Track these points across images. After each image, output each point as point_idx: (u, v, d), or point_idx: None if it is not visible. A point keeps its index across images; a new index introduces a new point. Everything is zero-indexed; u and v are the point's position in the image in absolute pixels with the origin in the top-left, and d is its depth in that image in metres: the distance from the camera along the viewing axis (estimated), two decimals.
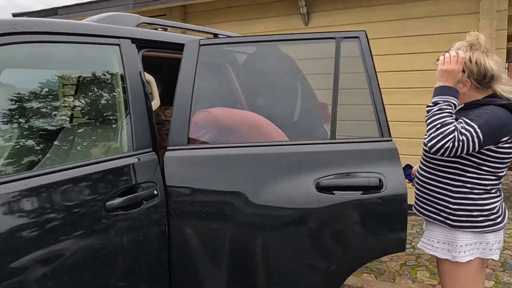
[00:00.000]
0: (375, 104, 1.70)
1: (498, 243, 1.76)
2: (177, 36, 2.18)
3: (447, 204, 1.76)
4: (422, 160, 1.91)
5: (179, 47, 2.09)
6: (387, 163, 1.67)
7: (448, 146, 1.61)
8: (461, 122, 1.65)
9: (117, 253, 1.54)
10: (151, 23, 2.17)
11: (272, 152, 1.74)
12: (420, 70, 4.40)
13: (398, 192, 1.64)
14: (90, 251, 1.46)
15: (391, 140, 1.70)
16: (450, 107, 1.68)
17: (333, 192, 1.67)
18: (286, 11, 5.02)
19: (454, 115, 1.69)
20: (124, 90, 1.78)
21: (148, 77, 1.99)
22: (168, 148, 1.82)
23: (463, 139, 1.60)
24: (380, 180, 1.65)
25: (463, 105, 1.81)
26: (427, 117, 1.71)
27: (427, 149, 1.70)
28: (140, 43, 1.95)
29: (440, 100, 1.70)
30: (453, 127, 1.62)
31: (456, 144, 1.60)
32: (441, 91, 1.71)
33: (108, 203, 1.53)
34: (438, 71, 1.73)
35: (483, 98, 1.74)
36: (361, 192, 1.65)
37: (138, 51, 1.94)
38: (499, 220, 1.73)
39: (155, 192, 1.69)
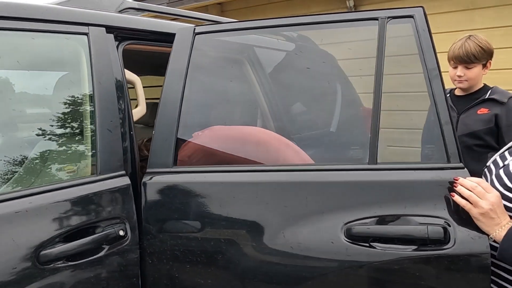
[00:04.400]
0: (438, 114, 1.12)
1: None
2: (175, 25, 1.72)
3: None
4: None
5: None
6: (456, 202, 1.09)
7: None
8: None
9: None
10: (140, 8, 1.72)
11: (281, 180, 1.22)
12: (491, 70, 3.68)
13: (475, 250, 1.05)
14: None
15: (464, 168, 1.12)
16: None
17: (372, 244, 1.11)
18: (331, 5, 4.52)
19: None
20: (90, 94, 1.34)
21: (132, 77, 1.54)
22: (147, 170, 1.36)
23: None
24: (445, 229, 1.07)
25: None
26: None
27: None
28: (120, 33, 1.50)
29: None
30: None
31: None
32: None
33: (43, 252, 1.08)
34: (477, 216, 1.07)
35: None
36: (415, 247, 1.09)
37: (118, 44, 1.50)
38: None
39: (122, 232, 1.23)
